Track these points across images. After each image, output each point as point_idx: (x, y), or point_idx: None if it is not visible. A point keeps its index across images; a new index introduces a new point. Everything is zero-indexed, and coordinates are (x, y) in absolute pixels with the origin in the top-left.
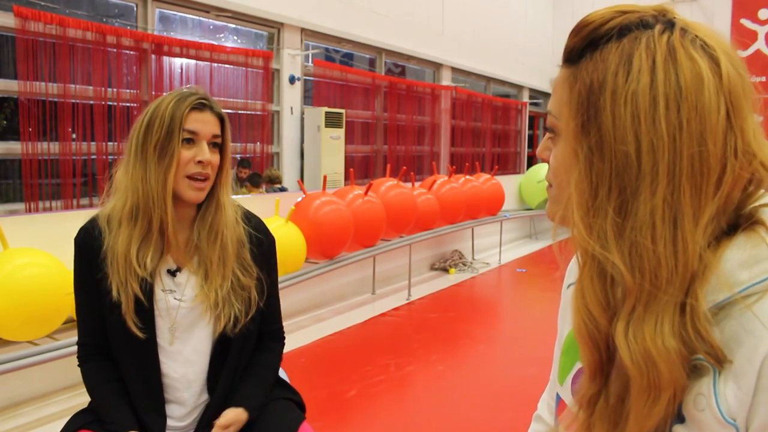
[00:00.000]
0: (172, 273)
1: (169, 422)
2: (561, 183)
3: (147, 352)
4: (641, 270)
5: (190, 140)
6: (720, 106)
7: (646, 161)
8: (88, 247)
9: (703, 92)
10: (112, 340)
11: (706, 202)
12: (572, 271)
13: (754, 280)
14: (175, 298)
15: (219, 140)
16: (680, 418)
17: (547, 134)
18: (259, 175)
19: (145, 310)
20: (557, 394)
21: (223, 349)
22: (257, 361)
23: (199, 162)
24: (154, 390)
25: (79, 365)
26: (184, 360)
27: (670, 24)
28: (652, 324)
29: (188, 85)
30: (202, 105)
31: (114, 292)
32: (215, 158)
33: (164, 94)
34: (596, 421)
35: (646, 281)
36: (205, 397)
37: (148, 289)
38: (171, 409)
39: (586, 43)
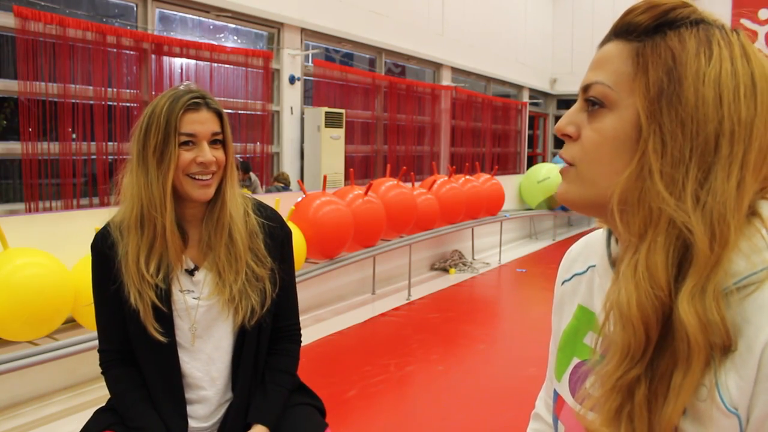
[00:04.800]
0: (190, 272)
1: (192, 423)
2: (597, 159)
3: (167, 353)
4: (718, 238)
5: (190, 142)
6: None
7: (724, 143)
8: (104, 256)
9: None
10: (133, 343)
11: (752, 188)
12: (566, 267)
13: (752, 270)
14: (193, 298)
15: (220, 137)
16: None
17: (579, 107)
18: (247, 164)
19: (164, 314)
20: (555, 391)
21: (243, 344)
22: (274, 367)
23: (201, 163)
24: (175, 391)
25: (102, 373)
26: (207, 358)
27: (734, 30)
28: (711, 294)
29: (185, 82)
30: (196, 105)
31: (132, 300)
32: (219, 155)
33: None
34: (637, 408)
35: (718, 249)
36: (229, 394)
37: (165, 294)
38: (194, 410)
39: (658, 22)
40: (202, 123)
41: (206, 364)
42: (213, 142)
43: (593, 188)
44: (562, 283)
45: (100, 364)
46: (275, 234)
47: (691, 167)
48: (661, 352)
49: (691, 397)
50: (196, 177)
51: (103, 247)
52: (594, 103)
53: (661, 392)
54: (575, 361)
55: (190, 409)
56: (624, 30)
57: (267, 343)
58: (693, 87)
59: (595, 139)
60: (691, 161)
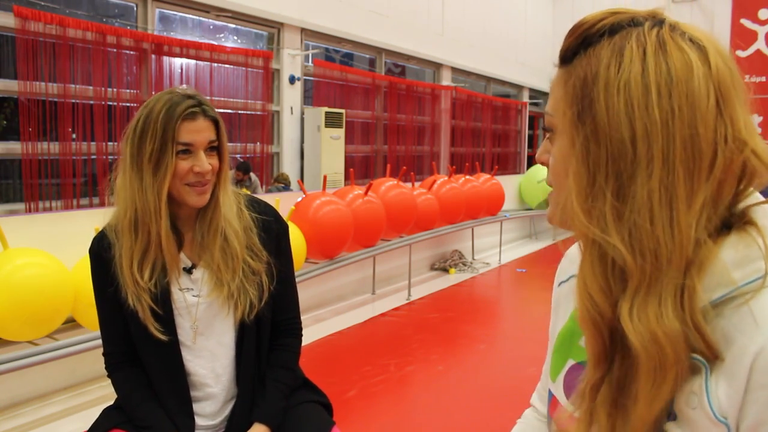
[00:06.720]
0: (188, 270)
1: (199, 421)
2: (560, 182)
3: (170, 352)
4: (641, 251)
5: (187, 151)
6: (710, 94)
7: (641, 146)
8: (102, 260)
9: (693, 80)
10: (136, 344)
11: (699, 185)
12: (563, 269)
13: (746, 279)
14: (193, 296)
15: (215, 144)
16: (672, 416)
17: (547, 136)
18: (247, 165)
19: (164, 313)
20: (549, 391)
21: (244, 339)
22: (273, 363)
23: (198, 173)
24: (181, 390)
25: (108, 375)
26: (210, 355)
27: (659, 21)
28: (656, 305)
29: (182, 86)
30: (193, 114)
31: (130, 302)
32: (214, 162)
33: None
34: (599, 407)
35: (647, 262)
36: (235, 390)
37: (162, 294)
38: (201, 407)
39: (580, 42)
40: (199, 132)
41: (210, 361)
42: (209, 149)
43: (561, 206)
44: (559, 284)
45: (106, 368)
46: (270, 227)
47: (609, 179)
48: (620, 359)
49: (660, 407)
50: (192, 185)
51: (100, 251)
52: (549, 130)
53: (622, 398)
54: (570, 362)
55: (197, 406)
56: (560, 57)
57: (268, 336)
58: (604, 99)
59: (552, 163)
60: (609, 173)
